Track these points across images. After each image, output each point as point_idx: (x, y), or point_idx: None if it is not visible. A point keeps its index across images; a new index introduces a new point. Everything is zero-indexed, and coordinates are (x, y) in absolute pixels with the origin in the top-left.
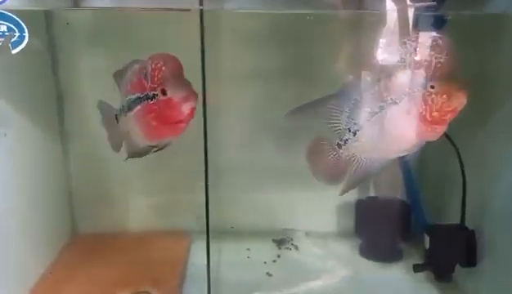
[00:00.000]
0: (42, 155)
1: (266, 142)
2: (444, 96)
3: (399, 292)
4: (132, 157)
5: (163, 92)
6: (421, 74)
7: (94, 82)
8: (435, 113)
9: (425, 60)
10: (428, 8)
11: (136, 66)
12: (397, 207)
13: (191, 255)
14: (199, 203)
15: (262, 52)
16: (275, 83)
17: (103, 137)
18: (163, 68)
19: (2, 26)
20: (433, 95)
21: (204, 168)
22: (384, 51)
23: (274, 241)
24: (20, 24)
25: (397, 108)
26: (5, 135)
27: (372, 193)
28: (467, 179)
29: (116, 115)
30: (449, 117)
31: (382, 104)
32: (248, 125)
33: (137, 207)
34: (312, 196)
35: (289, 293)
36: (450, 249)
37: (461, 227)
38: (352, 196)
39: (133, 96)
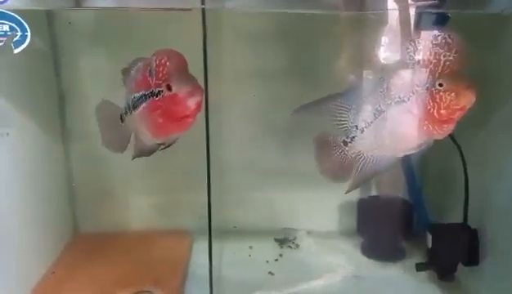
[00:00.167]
0: (43, 155)
1: (268, 141)
2: (452, 94)
3: (401, 291)
4: (139, 156)
5: (169, 88)
6: (430, 72)
7: (96, 82)
8: (443, 111)
9: (434, 58)
10: (429, 6)
11: (141, 64)
12: (399, 206)
13: (193, 254)
14: (200, 203)
15: (265, 51)
16: (277, 83)
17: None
18: (168, 63)
19: (4, 26)
20: (442, 93)
21: (205, 167)
22: (392, 50)
23: (276, 240)
24: (22, 24)
25: (404, 106)
26: (7, 134)
27: (374, 192)
28: (469, 177)
29: (121, 114)
30: (457, 115)
31: (390, 101)
32: (250, 124)
33: (139, 206)
34: (314, 195)
35: (291, 292)
36: (452, 248)
37: (464, 226)
38: (354, 195)
39: (138, 94)
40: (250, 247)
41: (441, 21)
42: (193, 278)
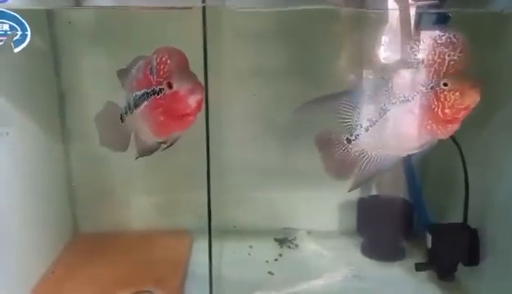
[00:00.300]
0: (43, 154)
1: (268, 141)
2: (457, 94)
3: (401, 291)
4: (142, 155)
5: (170, 86)
6: (434, 72)
7: (96, 82)
8: (447, 111)
9: (439, 57)
10: (430, 6)
11: (141, 62)
12: (399, 206)
13: (193, 254)
14: (200, 202)
15: (265, 50)
16: (277, 82)
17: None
18: (169, 61)
19: (4, 25)
20: (446, 93)
21: (206, 167)
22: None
23: (276, 240)
24: (23, 23)
25: (409, 105)
26: (7, 134)
27: (374, 192)
28: (470, 177)
29: (121, 114)
30: (462, 114)
31: (395, 101)
32: (250, 124)
33: (139, 206)
34: (313, 195)
35: (291, 292)
36: (452, 248)
37: (464, 226)
38: (354, 195)
39: (139, 93)
40: (250, 247)
41: (441, 21)
42: (193, 277)
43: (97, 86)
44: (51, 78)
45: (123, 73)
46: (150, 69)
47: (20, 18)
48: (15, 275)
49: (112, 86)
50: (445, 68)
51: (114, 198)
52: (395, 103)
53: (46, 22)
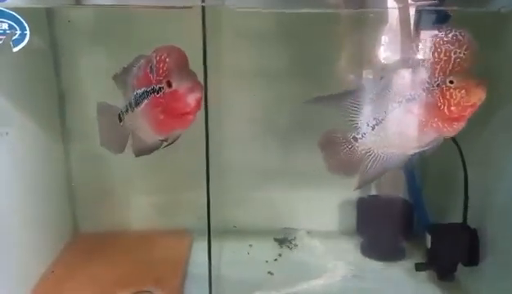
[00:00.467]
0: (43, 154)
1: (268, 141)
2: (463, 91)
3: (401, 291)
4: (140, 155)
5: (169, 84)
6: (440, 69)
7: (96, 81)
8: (453, 108)
9: (445, 55)
10: (430, 5)
11: (142, 61)
12: (399, 206)
13: (193, 254)
14: (200, 202)
15: (265, 51)
16: (277, 82)
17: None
18: (168, 59)
19: (3, 24)
20: (452, 90)
21: (205, 167)
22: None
23: (276, 240)
24: (22, 22)
25: (415, 103)
26: (6, 134)
27: (374, 192)
28: (469, 177)
29: (119, 114)
30: (468, 112)
31: (401, 99)
32: (250, 124)
33: (139, 206)
34: (313, 195)
35: (291, 292)
36: (452, 248)
37: (463, 226)
38: (354, 194)
39: (140, 91)
40: (250, 246)
41: (441, 20)
42: (193, 277)
43: (97, 85)
44: (50, 78)
45: (119, 77)
46: (150, 67)
47: (19, 17)
48: (15, 275)
49: (112, 86)
50: (451, 65)
51: (114, 198)
52: (401, 101)
53: (45, 21)
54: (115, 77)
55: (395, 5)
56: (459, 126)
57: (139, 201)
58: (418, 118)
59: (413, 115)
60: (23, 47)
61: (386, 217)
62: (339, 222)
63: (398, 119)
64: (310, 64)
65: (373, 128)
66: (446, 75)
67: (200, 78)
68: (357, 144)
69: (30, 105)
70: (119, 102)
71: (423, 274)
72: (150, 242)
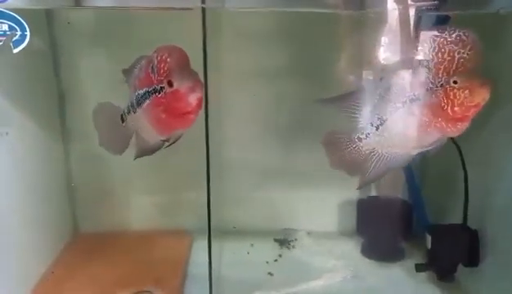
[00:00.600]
0: (43, 154)
1: (268, 141)
2: (467, 92)
3: (401, 292)
4: (142, 155)
5: (170, 84)
6: (444, 69)
7: (96, 82)
8: (457, 108)
9: (448, 55)
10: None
11: (144, 61)
12: (398, 207)
13: (193, 254)
14: (200, 203)
15: (265, 51)
16: (277, 82)
17: None
18: (169, 59)
19: (3, 25)
20: (456, 91)
21: (205, 167)
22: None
23: (276, 240)
24: (22, 23)
25: (419, 103)
26: (6, 134)
27: (374, 193)
28: (469, 178)
29: (122, 115)
30: (472, 112)
31: (404, 99)
32: (250, 124)
33: (139, 206)
34: (313, 195)
35: (291, 292)
36: (452, 249)
37: (464, 227)
38: (354, 195)
39: (142, 91)
40: (251, 246)
41: (441, 21)
42: (193, 277)
43: (97, 86)
44: (50, 78)
45: (128, 72)
46: (152, 67)
47: (20, 18)
48: (15, 275)
49: (112, 86)
50: (455, 65)
51: (114, 198)
52: (405, 101)
53: (45, 22)
54: (125, 72)
55: (396, 6)
56: (462, 126)
57: (139, 201)
58: (422, 118)
59: (417, 115)
60: (23, 48)
61: (386, 218)
62: (338, 223)
63: (402, 119)
64: (310, 64)
65: (377, 128)
66: (449, 75)
67: (201, 79)
68: (361, 144)
69: (30, 106)
70: (120, 103)
71: (422, 275)
72: (150, 242)
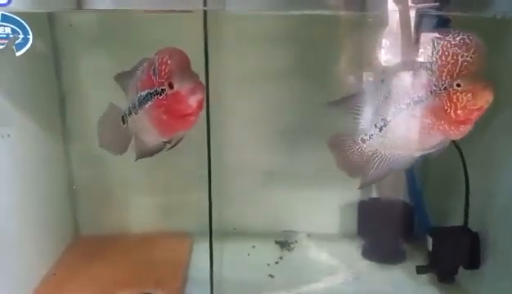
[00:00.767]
0: (44, 157)
1: (269, 143)
2: (469, 95)
3: None
4: (142, 157)
5: (171, 86)
6: (447, 72)
7: (97, 84)
8: (460, 112)
9: (452, 58)
10: (430, 9)
11: (146, 63)
12: (399, 209)
13: (194, 256)
14: (201, 205)
15: (267, 53)
16: (278, 85)
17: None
18: (169, 61)
19: (6, 28)
20: (459, 94)
21: (206, 169)
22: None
23: (277, 242)
24: (24, 27)
25: (422, 106)
26: (8, 136)
27: (375, 195)
28: (470, 180)
29: (123, 116)
30: (475, 115)
31: (408, 101)
32: (251, 127)
33: (140, 208)
34: (314, 197)
35: None
36: (453, 251)
37: (464, 229)
38: (355, 197)
39: (144, 93)
40: (253, 247)
41: (441, 24)
42: (193, 280)
43: (98, 88)
44: (52, 81)
45: (122, 77)
46: (153, 69)
47: (22, 21)
48: (16, 277)
49: (113, 89)
50: (458, 69)
51: (115, 201)
52: (409, 103)
53: (47, 25)
54: (118, 77)
55: (398, 8)
56: (465, 129)
57: (140, 203)
58: (425, 120)
59: (420, 118)
60: (25, 51)
61: (387, 220)
62: (339, 225)
63: (406, 121)
64: (311, 66)
65: (380, 130)
66: (453, 78)
67: (202, 81)
68: (364, 146)
69: (31, 107)
70: (120, 104)
71: (423, 277)
72: (150, 244)
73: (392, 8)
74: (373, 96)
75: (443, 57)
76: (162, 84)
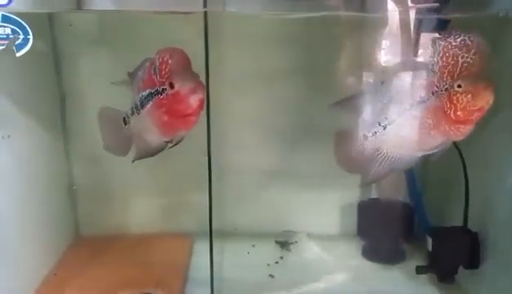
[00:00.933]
0: (45, 157)
1: (269, 144)
2: (469, 96)
3: None
4: (143, 157)
5: (171, 86)
6: (448, 73)
7: (97, 84)
8: (460, 112)
9: (452, 59)
10: (430, 10)
11: (147, 63)
12: (399, 209)
13: (194, 256)
14: (201, 205)
15: (267, 54)
16: (278, 85)
17: None
18: (170, 61)
19: (6, 29)
20: (459, 95)
21: (207, 170)
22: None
23: (277, 242)
24: (25, 27)
25: (424, 106)
26: (8, 137)
27: (374, 195)
28: (470, 181)
29: (124, 117)
30: (475, 116)
31: (411, 101)
32: (251, 127)
33: (140, 208)
34: (314, 198)
35: None
36: (453, 251)
37: (464, 229)
38: (355, 197)
39: (145, 93)
40: (252, 247)
41: (441, 25)
42: (194, 280)
43: (98, 88)
44: (52, 81)
45: (133, 75)
46: (154, 69)
47: (22, 22)
48: (17, 277)
49: (113, 89)
50: (459, 70)
51: (116, 201)
52: (413, 104)
53: (47, 25)
54: (130, 75)
55: (399, 9)
56: (466, 130)
57: (140, 203)
58: (427, 121)
59: (422, 118)
60: (26, 51)
61: (387, 220)
62: (339, 225)
63: (409, 121)
64: (311, 66)
65: (385, 128)
66: (454, 79)
67: (202, 81)
68: (366, 143)
69: (32, 108)
70: (120, 105)
71: (423, 277)
72: (150, 244)
73: (392, 9)
74: (377, 97)
75: (444, 58)
76: (163, 84)
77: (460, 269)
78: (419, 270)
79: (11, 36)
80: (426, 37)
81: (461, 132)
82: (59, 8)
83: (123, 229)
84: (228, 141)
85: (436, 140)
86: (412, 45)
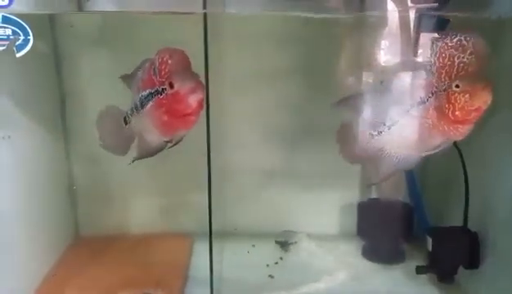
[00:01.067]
0: (45, 158)
1: (269, 144)
2: (467, 96)
3: None
4: (144, 157)
5: (171, 86)
6: (446, 74)
7: (98, 85)
8: (458, 113)
9: (449, 60)
10: (429, 9)
11: (147, 63)
12: (399, 209)
13: (194, 257)
14: (201, 205)
15: (267, 54)
16: (278, 85)
17: None
18: (170, 61)
19: (6, 29)
20: (457, 95)
21: (206, 170)
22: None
23: (277, 243)
24: (25, 28)
25: (424, 107)
26: (9, 137)
27: (374, 195)
28: (470, 181)
29: (125, 117)
30: (473, 116)
31: (412, 102)
32: (251, 127)
33: (140, 208)
34: (314, 198)
35: None
36: (452, 251)
37: (464, 229)
38: (355, 198)
39: (145, 93)
40: (252, 247)
41: (441, 25)
42: (193, 280)
43: (99, 89)
44: (52, 81)
45: (127, 78)
46: (154, 69)
47: (23, 23)
48: (18, 277)
49: (114, 89)
50: (455, 70)
51: (115, 201)
52: (413, 105)
53: (48, 26)
54: (124, 78)
55: (399, 9)
56: (465, 130)
57: (140, 203)
58: (428, 121)
59: (424, 119)
60: (26, 52)
61: (387, 220)
62: (339, 225)
63: (411, 122)
64: (311, 66)
65: (389, 128)
66: (452, 80)
67: (202, 81)
68: (372, 141)
69: (32, 108)
70: (120, 105)
71: (423, 277)
72: (150, 244)
73: (392, 9)
74: (377, 96)
75: (441, 59)
76: (162, 84)
77: (460, 269)
78: (419, 270)
79: (11, 37)
80: (426, 38)
81: (460, 132)
82: (59, 9)
83: (123, 229)
84: (228, 141)
85: (437, 141)
86: (412, 45)
